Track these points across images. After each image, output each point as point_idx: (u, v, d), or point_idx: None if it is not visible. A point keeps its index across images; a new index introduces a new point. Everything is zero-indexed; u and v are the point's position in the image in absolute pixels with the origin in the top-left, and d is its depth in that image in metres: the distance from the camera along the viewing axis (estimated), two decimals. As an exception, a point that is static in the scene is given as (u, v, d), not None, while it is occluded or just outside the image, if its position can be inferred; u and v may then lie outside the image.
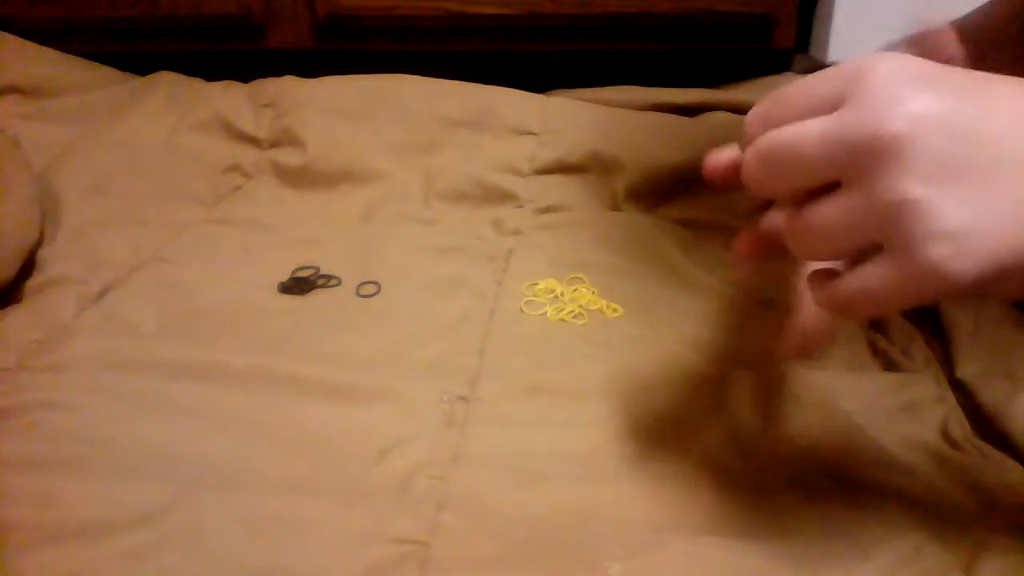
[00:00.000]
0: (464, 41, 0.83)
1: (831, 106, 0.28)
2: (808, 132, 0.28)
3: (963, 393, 0.47)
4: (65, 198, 0.65)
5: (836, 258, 0.30)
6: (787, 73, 0.85)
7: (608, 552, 0.37)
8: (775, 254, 0.35)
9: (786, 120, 0.29)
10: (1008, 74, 0.30)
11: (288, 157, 0.73)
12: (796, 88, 0.30)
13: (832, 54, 0.83)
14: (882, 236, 0.27)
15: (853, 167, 0.27)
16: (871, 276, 0.28)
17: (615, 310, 0.55)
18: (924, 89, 0.27)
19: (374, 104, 0.75)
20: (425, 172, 0.71)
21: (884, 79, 0.27)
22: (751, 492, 0.40)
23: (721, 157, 0.34)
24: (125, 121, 0.75)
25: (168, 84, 0.80)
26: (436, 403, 0.46)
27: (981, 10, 0.49)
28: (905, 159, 0.26)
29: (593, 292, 0.57)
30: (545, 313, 0.55)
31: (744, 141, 0.31)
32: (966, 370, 0.48)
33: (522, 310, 0.55)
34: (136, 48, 0.86)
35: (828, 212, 0.28)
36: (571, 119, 0.73)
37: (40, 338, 0.50)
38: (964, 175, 0.26)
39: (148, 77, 0.82)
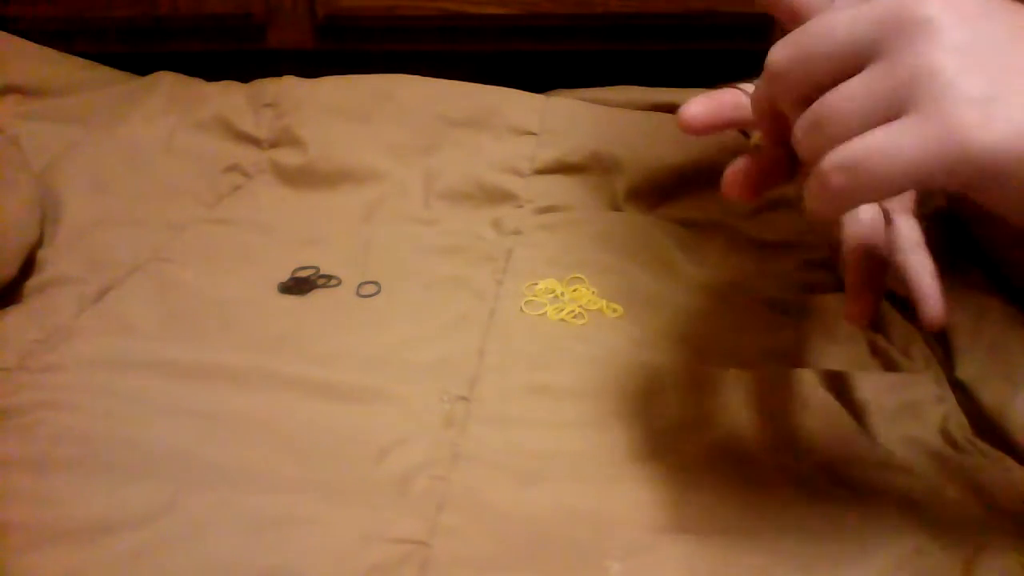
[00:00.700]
0: (464, 41, 0.83)
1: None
2: (839, 15, 0.28)
3: (963, 393, 0.47)
4: (65, 198, 0.65)
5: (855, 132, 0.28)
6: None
7: (608, 552, 0.37)
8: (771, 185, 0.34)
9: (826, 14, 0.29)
10: None
11: (288, 157, 0.73)
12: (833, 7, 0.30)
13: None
14: (906, 102, 0.26)
15: (881, 43, 0.27)
16: (891, 133, 0.26)
17: (615, 310, 0.55)
18: None
19: (374, 104, 0.75)
20: (425, 172, 0.71)
21: None
22: (751, 492, 0.40)
23: (697, 102, 0.35)
24: (125, 121, 0.75)
25: (168, 84, 0.80)
26: (436, 403, 0.46)
27: None
28: (935, 33, 0.26)
29: (593, 292, 0.57)
30: (545, 313, 0.55)
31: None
32: (966, 370, 0.48)
33: (522, 310, 0.55)
34: (136, 48, 0.86)
35: (850, 88, 0.28)
36: (571, 119, 0.73)
37: (40, 338, 0.50)
38: (995, 52, 0.26)
39: (148, 77, 0.82)
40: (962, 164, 0.26)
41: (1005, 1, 0.28)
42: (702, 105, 0.35)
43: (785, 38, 0.30)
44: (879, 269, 0.38)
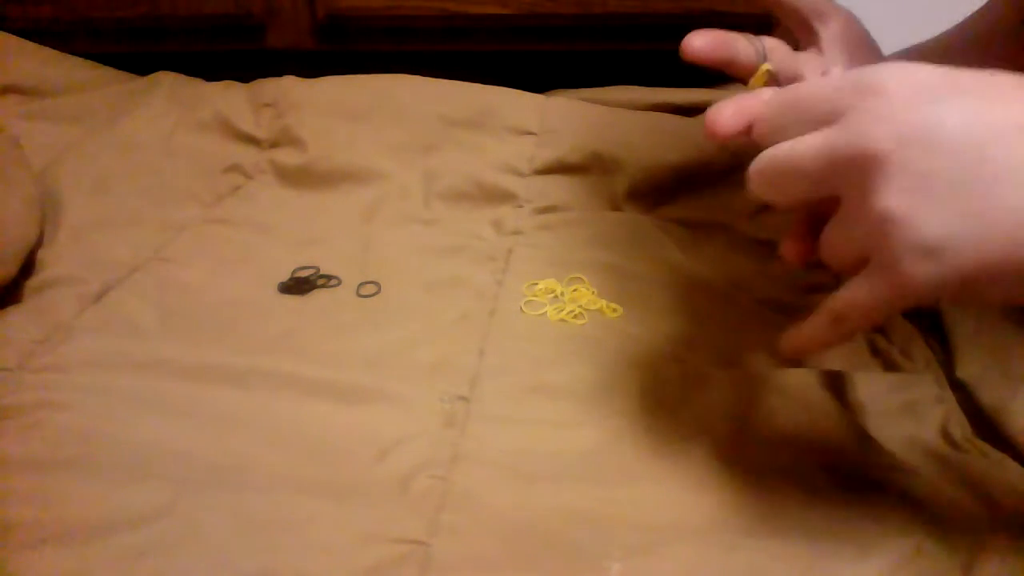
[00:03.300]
0: (464, 41, 0.83)
1: (832, 117, 0.29)
2: (802, 150, 0.30)
3: (963, 393, 0.47)
4: (65, 198, 0.65)
5: (854, 270, 0.31)
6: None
7: (608, 552, 0.37)
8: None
9: (791, 128, 0.31)
10: None
11: (288, 157, 0.73)
12: (805, 94, 0.31)
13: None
14: (870, 248, 0.29)
15: (844, 182, 0.29)
16: (858, 289, 0.30)
17: (615, 310, 0.55)
18: (917, 106, 0.28)
19: (374, 104, 0.75)
20: (425, 172, 0.70)
21: (882, 95, 0.28)
22: (751, 492, 0.40)
23: (725, 114, 0.35)
24: (125, 121, 0.75)
25: (168, 84, 0.80)
26: (436, 403, 0.46)
27: (935, 38, 0.50)
28: (887, 175, 0.27)
29: (593, 292, 0.57)
30: (545, 313, 0.55)
31: (755, 132, 0.33)
32: (966, 370, 0.48)
33: (522, 310, 0.55)
34: (136, 48, 0.86)
35: (831, 228, 0.31)
36: (571, 119, 0.73)
37: (40, 338, 0.50)
38: (946, 188, 0.27)
39: (148, 77, 0.82)
40: (923, 301, 0.29)
41: (980, 83, 0.28)
42: (731, 109, 0.35)
43: (758, 158, 0.32)
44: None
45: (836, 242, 0.31)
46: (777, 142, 0.31)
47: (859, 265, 0.30)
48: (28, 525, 0.37)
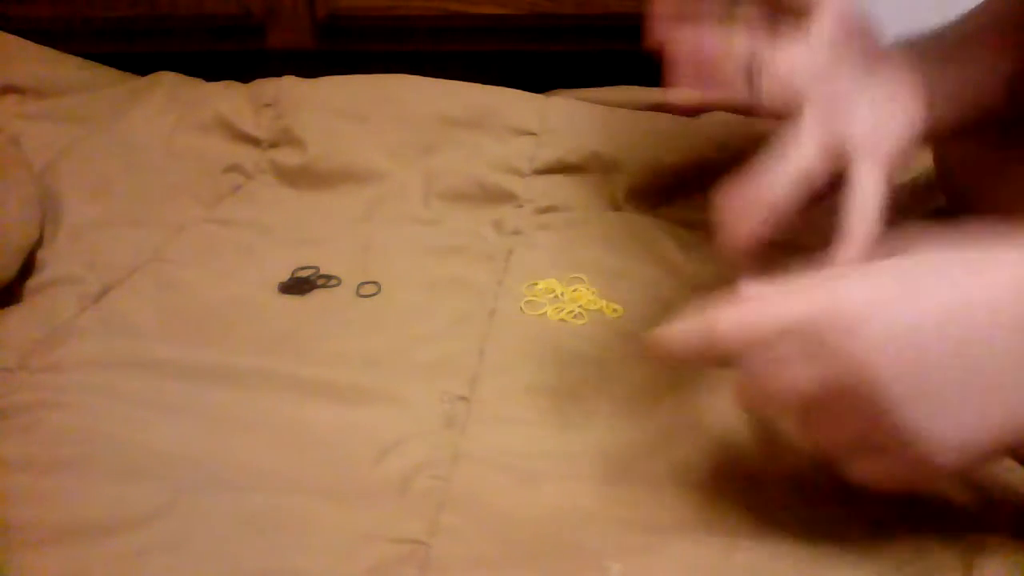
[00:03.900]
0: (464, 41, 0.83)
1: (812, 352, 0.31)
2: (793, 383, 0.32)
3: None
4: (65, 198, 0.65)
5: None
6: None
7: (608, 552, 0.37)
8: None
9: (766, 352, 0.32)
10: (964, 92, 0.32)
11: (288, 157, 0.73)
12: (776, 332, 0.32)
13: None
14: (880, 442, 0.32)
15: (842, 403, 0.31)
16: (870, 467, 0.33)
17: (615, 310, 0.55)
18: (893, 336, 0.30)
19: (374, 104, 0.75)
20: (425, 172, 0.71)
21: (855, 334, 0.30)
22: (751, 492, 0.40)
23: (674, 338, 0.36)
24: (125, 121, 0.75)
25: (168, 84, 0.80)
26: (436, 403, 0.46)
27: (936, 30, 0.49)
28: (885, 394, 0.30)
29: (593, 292, 0.57)
30: (545, 313, 0.55)
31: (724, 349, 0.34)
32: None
33: (522, 310, 0.55)
34: (136, 48, 0.86)
35: (835, 431, 0.33)
36: (571, 119, 0.73)
37: (40, 338, 0.50)
38: (940, 390, 0.30)
39: (148, 77, 0.82)
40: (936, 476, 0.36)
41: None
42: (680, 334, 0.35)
43: (743, 379, 0.34)
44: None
45: (843, 441, 0.33)
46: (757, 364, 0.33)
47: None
48: (28, 525, 0.37)
